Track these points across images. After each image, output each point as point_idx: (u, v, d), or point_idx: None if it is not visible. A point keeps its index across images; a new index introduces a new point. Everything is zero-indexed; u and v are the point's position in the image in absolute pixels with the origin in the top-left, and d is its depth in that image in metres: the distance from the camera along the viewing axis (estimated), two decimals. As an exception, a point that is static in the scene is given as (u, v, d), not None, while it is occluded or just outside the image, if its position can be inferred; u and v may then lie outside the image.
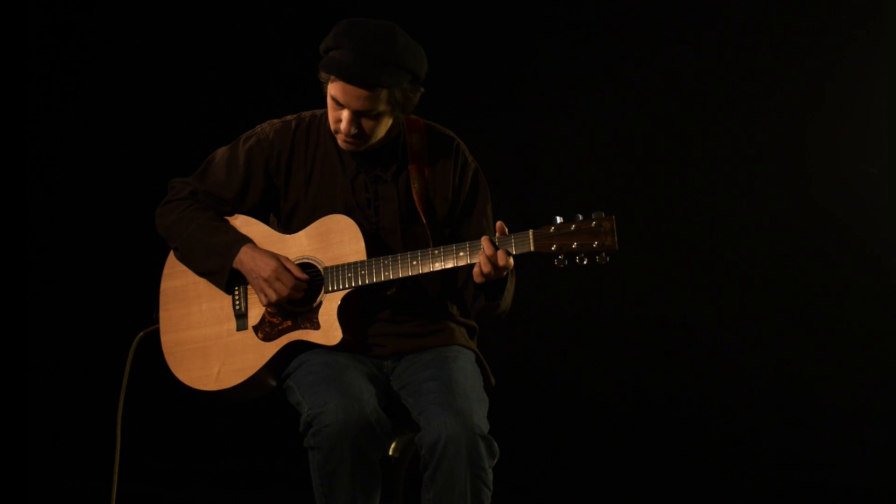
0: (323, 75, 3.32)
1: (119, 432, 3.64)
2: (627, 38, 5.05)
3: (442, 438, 3.14)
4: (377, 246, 3.39)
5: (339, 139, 3.38)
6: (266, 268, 3.37)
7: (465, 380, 3.32)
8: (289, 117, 3.52)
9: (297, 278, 3.37)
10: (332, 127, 3.37)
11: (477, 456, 3.15)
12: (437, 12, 5.01)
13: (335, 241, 3.39)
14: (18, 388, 3.63)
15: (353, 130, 3.33)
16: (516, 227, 3.32)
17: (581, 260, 3.19)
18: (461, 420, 3.16)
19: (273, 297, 3.37)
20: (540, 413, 5.11)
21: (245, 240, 3.43)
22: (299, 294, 3.39)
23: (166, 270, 3.54)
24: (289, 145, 3.47)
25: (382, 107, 3.31)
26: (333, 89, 3.30)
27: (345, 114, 3.31)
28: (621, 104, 5.05)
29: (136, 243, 4.99)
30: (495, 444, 3.20)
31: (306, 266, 3.42)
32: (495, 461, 3.21)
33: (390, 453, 3.34)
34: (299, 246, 3.43)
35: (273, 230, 3.47)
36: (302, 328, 3.38)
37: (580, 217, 3.20)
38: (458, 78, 4.98)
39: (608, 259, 3.18)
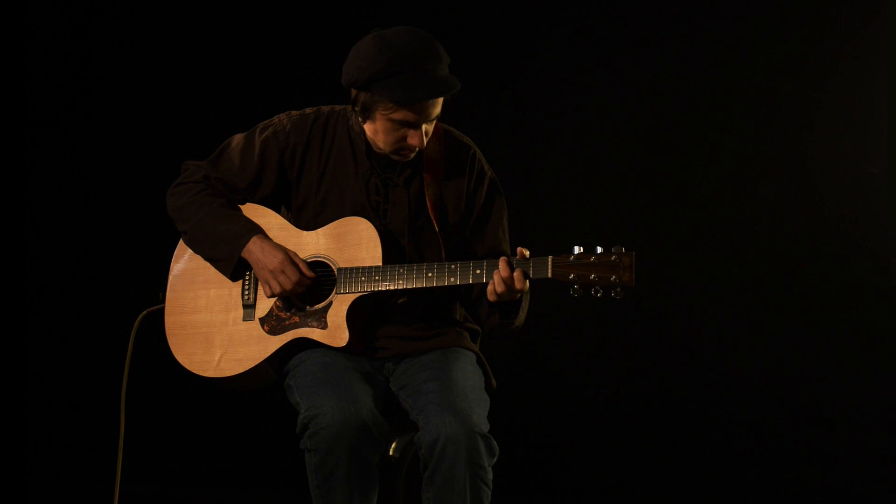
0: (380, 103, 3.25)
1: (123, 415, 3.62)
2: (626, 39, 5.05)
3: (441, 437, 3.14)
4: (387, 247, 3.37)
5: (401, 154, 3.35)
6: (273, 260, 3.36)
7: (465, 380, 3.32)
8: (308, 110, 3.49)
9: (302, 274, 3.37)
10: (392, 147, 3.34)
11: (476, 455, 3.14)
12: (445, 15, 5.01)
13: (352, 242, 3.38)
14: (18, 385, 3.62)
15: (425, 142, 3.32)
16: (518, 237, 3.32)
17: (596, 292, 3.19)
18: (460, 419, 3.15)
19: (277, 289, 3.36)
20: (541, 413, 5.11)
21: (256, 230, 3.41)
22: (302, 289, 3.38)
23: (177, 252, 3.52)
24: (305, 138, 3.45)
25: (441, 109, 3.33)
26: (404, 114, 3.27)
27: (416, 132, 3.29)
28: (622, 105, 5.05)
29: (142, 225, 5.00)
30: (495, 443, 3.20)
31: (319, 264, 3.40)
32: (495, 460, 3.21)
33: (390, 453, 3.33)
34: (316, 244, 3.41)
35: (290, 224, 3.46)
36: (309, 326, 3.37)
37: (600, 250, 3.19)
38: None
39: (623, 294, 3.18)
